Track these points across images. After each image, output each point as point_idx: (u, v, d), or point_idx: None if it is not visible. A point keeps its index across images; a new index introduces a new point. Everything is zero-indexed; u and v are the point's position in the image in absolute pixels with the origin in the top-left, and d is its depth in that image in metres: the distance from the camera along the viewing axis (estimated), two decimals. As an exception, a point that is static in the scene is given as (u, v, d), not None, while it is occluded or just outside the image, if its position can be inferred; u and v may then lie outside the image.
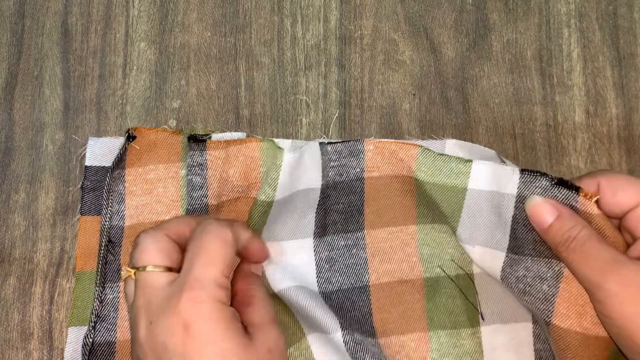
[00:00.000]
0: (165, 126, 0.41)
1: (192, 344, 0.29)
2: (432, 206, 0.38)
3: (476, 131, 0.41)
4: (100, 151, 0.40)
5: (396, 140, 0.39)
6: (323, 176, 0.39)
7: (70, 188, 0.41)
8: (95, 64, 0.42)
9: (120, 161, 0.39)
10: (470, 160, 0.37)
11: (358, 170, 0.39)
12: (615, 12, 0.43)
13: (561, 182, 0.34)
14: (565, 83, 0.42)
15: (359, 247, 0.38)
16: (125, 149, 0.39)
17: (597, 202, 0.33)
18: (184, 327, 0.29)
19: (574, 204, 0.33)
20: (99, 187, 0.40)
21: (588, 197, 0.33)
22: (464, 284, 0.37)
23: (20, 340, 0.39)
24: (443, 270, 0.37)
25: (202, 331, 0.29)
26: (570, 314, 0.33)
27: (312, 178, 0.39)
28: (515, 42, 0.43)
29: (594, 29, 0.43)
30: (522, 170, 0.35)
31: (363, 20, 0.43)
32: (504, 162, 0.38)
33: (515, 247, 0.36)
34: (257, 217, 0.39)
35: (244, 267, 0.36)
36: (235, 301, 0.34)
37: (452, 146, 0.40)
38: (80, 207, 0.40)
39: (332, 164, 0.39)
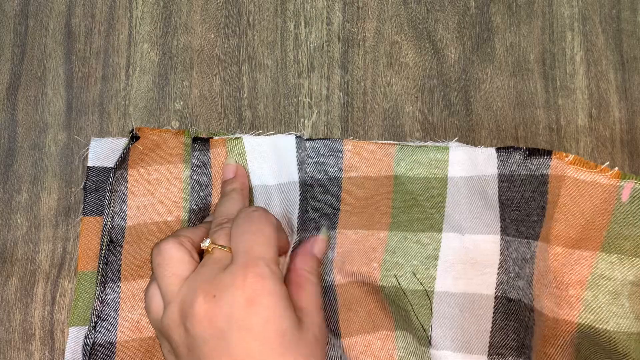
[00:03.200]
0: (169, 127, 0.41)
1: (254, 317, 0.30)
2: (411, 209, 0.38)
3: (479, 134, 0.41)
4: (102, 152, 0.40)
5: (375, 141, 0.39)
6: (299, 170, 0.39)
7: (73, 189, 0.41)
8: (99, 65, 0.42)
9: (123, 161, 0.39)
10: (447, 148, 0.37)
11: (336, 169, 0.39)
12: (619, 15, 0.43)
13: (533, 152, 0.34)
14: (568, 86, 0.42)
15: (329, 246, 0.38)
16: (129, 149, 0.40)
17: (573, 161, 0.32)
18: (248, 301, 0.30)
19: (545, 171, 0.33)
20: (101, 188, 0.40)
21: (562, 157, 0.32)
22: (419, 301, 0.37)
23: (22, 340, 0.39)
24: (397, 281, 0.37)
25: (265, 306, 0.30)
26: (539, 294, 0.32)
27: (290, 170, 0.39)
28: (518, 45, 0.42)
29: (597, 32, 0.43)
30: (498, 149, 0.36)
31: (366, 23, 0.43)
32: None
33: (506, 228, 0.35)
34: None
35: (306, 246, 0.37)
36: (288, 279, 0.35)
37: (455, 149, 0.40)
38: (83, 208, 0.40)
39: (310, 160, 0.39)
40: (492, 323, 0.35)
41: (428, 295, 0.37)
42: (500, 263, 0.35)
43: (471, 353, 0.35)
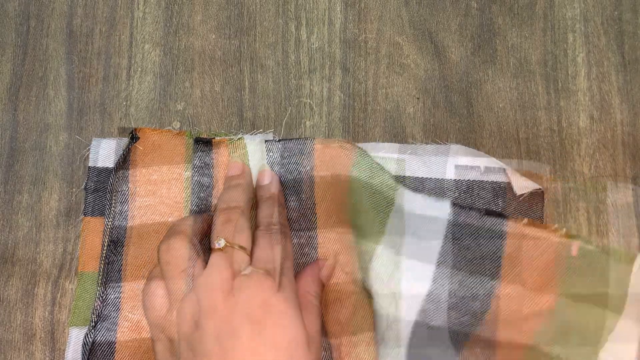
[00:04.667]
0: (170, 127, 0.41)
1: (269, 321, 0.30)
2: (360, 214, 0.39)
3: (480, 135, 0.41)
4: (103, 152, 0.40)
5: (340, 140, 0.40)
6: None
7: (74, 189, 0.41)
8: (100, 65, 0.42)
9: (124, 162, 0.39)
10: (399, 187, 0.39)
11: (308, 168, 0.39)
12: (621, 17, 0.43)
13: (489, 213, 0.38)
14: (570, 88, 0.42)
15: (311, 246, 0.38)
16: (129, 149, 0.40)
17: (528, 223, 0.37)
18: (267, 305, 0.31)
19: (503, 228, 0.37)
20: (102, 188, 0.40)
21: (518, 221, 0.37)
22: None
23: (23, 341, 0.39)
24: (364, 284, 0.38)
25: (282, 314, 0.31)
26: (503, 327, 0.36)
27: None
28: (519, 47, 0.42)
29: (599, 33, 0.43)
30: (453, 204, 0.38)
31: (367, 24, 0.43)
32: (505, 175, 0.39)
33: (446, 261, 0.37)
34: None
35: (315, 270, 0.37)
36: None
37: (456, 151, 0.40)
38: (84, 208, 0.40)
39: (283, 161, 0.39)
40: (408, 350, 0.37)
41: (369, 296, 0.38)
42: (431, 291, 0.37)
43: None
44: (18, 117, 0.41)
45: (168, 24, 0.43)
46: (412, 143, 0.41)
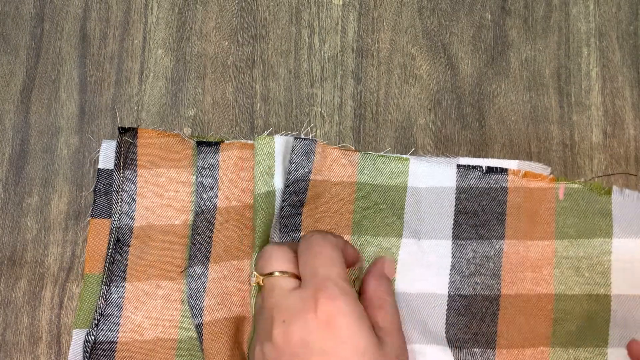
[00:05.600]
0: (178, 132, 0.41)
1: (332, 339, 0.30)
2: (372, 214, 0.40)
3: (492, 148, 0.41)
4: (113, 154, 0.40)
5: (341, 147, 0.40)
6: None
7: (83, 193, 0.41)
8: (112, 69, 0.42)
9: (125, 160, 0.40)
10: (407, 159, 0.40)
11: (306, 170, 0.39)
12: (636, 32, 0.42)
13: (490, 170, 0.40)
14: (583, 102, 0.42)
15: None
16: (128, 147, 0.40)
17: (525, 174, 0.39)
18: (323, 324, 0.30)
19: (504, 184, 0.39)
20: (111, 191, 0.40)
21: (516, 173, 0.39)
22: None
23: (29, 344, 0.39)
24: (353, 283, 0.39)
25: (341, 327, 0.30)
26: (515, 281, 0.39)
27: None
28: (533, 60, 0.42)
29: (614, 48, 0.42)
30: (458, 166, 0.40)
31: (381, 34, 0.43)
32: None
33: (459, 234, 0.39)
34: (266, 209, 0.39)
35: (377, 268, 0.37)
36: (365, 301, 0.35)
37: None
38: (91, 210, 0.40)
39: (290, 159, 0.39)
40: (446, 319, 0.39)
41: None
42: (452, 264, 0.39)
43: (438, 344, 0.38)
44: (30, 119, 0.41)
45: (181, 30, 0.43)
46: (422, 155, 0.41)
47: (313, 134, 0.41)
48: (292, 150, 0.39)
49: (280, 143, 0.39)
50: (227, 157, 0.40)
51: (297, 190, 0.39)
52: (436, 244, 0.39)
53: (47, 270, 0.40)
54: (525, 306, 0.39)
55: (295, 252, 0.34)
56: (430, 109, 0.42)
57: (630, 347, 0.34)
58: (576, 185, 0.39)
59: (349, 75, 0.42)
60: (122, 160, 0.40)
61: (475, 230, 0.39)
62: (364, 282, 0.37)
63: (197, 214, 0.39)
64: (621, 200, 0.39)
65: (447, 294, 0.39)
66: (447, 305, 0.39)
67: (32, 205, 0.40)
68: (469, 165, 0.40)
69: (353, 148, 0.41)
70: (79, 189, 0.41)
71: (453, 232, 0.39)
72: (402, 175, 0.40)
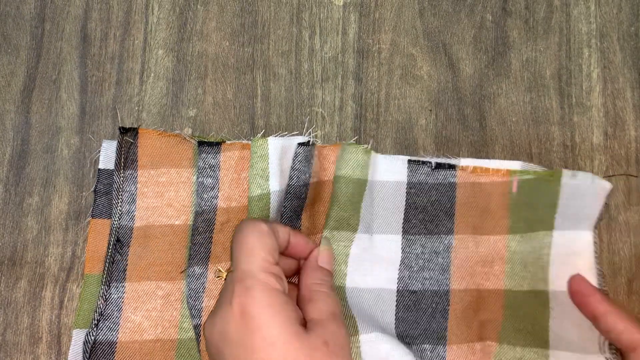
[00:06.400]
0: (178, 131, 0.41)
1: (245, 330, 0.30)
2: (333, 208, 0.39)
3: (492, 149, 0.41)
4: (114, 154, 0.40)
5: (328, 145, 0.40)
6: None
7: (84, 193, 0.41)
8: (113, 69, 0.42)
9: (126, 161, 0.40)
10: (370, 152, 0.40)
11: (307, 176, 0.39)
12: (637, 33, 0.42)
13: (439, 166, 0.40)
14: (584, 103, 0.42)
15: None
16: (127, 147, 0.40)
17: (473, 170, 0.39)
18: (238, 315, 0.30)
19: (453, 180, 0.39)
20: (111, 191, 0.40)
21: (465, 169, 0.39)
22: (340, 295, 0.39)
23: (29, 344, 0.39)
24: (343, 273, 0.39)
25: (253, 317, 0.30)
26: (464, 276, 0.39)
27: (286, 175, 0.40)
28: (534, 61, 0.42)
29: (615, 49, 0.42)
30: (409, 161, 0.40)
31: (382, 34, 0.43)
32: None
33: (409, 229, 0.40)
34: (258, 212, 0.39)
35: (310, 260, 0.37)
36: (298, 296, 0.35)
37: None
38: (92, 210, 0.40)
39: (291, 165, 0.39)
40: (395, 315, 0.39)
41: (340, 290, 0.39)
42: (402, 260, 0.39)
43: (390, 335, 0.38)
44: (31, 119, 0.41)
45: (182, 30, 0.43)
46: (423, 156, 0.41)
47: (314, 134, 0.41)
48: (295, 157, 0.39)
49: (274, 145, 0.39)
50: (228, 158, 0.40)
51: (299, 196, 0.39)
52: (387, 238, 0.40)
53: (47, 271, 0.40)
54: (474, 301, 0.39)
55: (275, 255, 0.34)
56: (431, 110, 0.42)
57: (570, 281, 0.35)
58: (529, 177, 0.39)
59: (350, 76, 0.42)
60: (122, 160, 0.40)
61: (424, 226, 0.40)
62: (299, 275, 0.36)
63: (198, 214, 0.39)
64: (570, 188, 0.38)
65: (396, 290, 0.39)
66: (396, 300, 0.39)
67: (32, 206, 0.40)
68: (419, 161, 0.40)
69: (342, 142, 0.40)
70: (80, 189, 0.41)
71: (403, 227, 0.40)
72: (364, 168, 0.40)
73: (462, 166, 0.40)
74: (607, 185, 0.39)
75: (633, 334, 0.32)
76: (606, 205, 0.40)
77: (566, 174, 0.39)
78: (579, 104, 0.42)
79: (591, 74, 0.42)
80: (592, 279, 0.38)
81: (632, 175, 0.41)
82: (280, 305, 0.31)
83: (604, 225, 0.40)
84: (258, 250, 0.32)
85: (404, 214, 0.40)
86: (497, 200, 0.39)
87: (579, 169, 0.41)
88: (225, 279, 0.34)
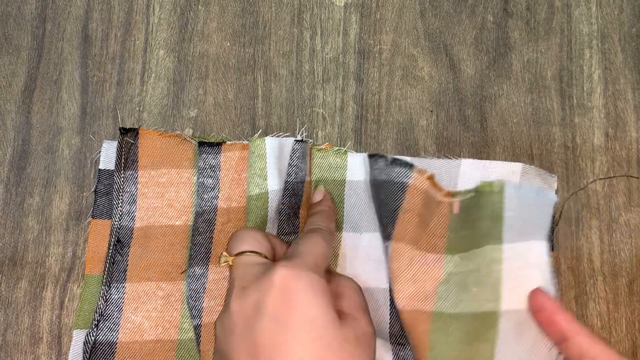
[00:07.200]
0: (179, 132, 0.41)
1: (284, 304, 0.29)
2: None
3: (493, 150, 0.41)
4: (114, 155, 0.40)
5: (319, 146, 0.40)
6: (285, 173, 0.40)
7: (85, 193, 0.41)
8: (114, 70, 0.42)
9: (126, 161, 0.40)
10: (345, 153, 0.40)
11: (303, 173, 0.39)
12: (639, 34, 0.42)
13: (395, 161, 0.36)
14: (585, 105, 0.42)
15: None
16: (127, 147, 0.40)
17: (429, 177, 0.36)
18: (278, 289, 0.29)
19: (405, 180, 0.36)
20: (112, 191, 0.40)
21: (422, 173, 0.36)
22: None
23: (30, 344, 0.39)
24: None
25: (293, 292, 0.29)
26: (399, 289, 0.36)
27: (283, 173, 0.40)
28: (535, 62, 0.42)
29: (616, 50, 0.42)
30: (370, 155, 0.37)
31: (383, 35, 0.42)
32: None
33: (374, 226, 0.39)
34: (256, 211, 0.39)
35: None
36: None
37: (468, 165, 0.39)
38: (92, 211, 0.40)
39: (289, 162, 0.40)
40: (390, 315, 0.38)
41: None
42: (368, 254, 0.39)
43: (379, 338, 0.37)
44: (31, 119, 0.41)
45: (183, 30, 0.43)
46: (424, 157, 0.41)
47: (314, 135, 0.41)
48: (294, 153, 0.39)
49: (272, 145, 0.39)
50: (229, 158, 0.40)
51: (296, 193, 0.39)
52: (375, 237, 0.39)
53: (48, 271, 0.40)
54: (405, 320, 0.36)
55: (268, 238, 0.34)
56: (432, 111, 0.42)
57: (531, 297, 0.33)
58: (470, 195, 0.37)
59: (351, 77, 0.42)
60: (123, 161, 0.40)
61: (380, 227, 0.38)
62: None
63: (198, 214, 0.39)
64: (514, 200, 0.36)
65: (389, 288, 0.39)
66: (390, 300, 0.38)
67: (33, 206, 0.40)
68: (376, 155, 0.37)
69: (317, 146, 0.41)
70: (80, 190, 0.41)
71: (374, 225, 0.39)
72: (340, 169, 0.40)
73: (419, 169, 0.36)
74: (553, 197, 0.36)
75: (610, 358, 0.30)
76: (608, 207, 0.40)
77: (509, 185, 0.36)
78: (580, 105, 0.42)
79: (592, 75, 0.42)
80: (550, 292, 0.34)
81: (633, 177, 0.41)
82: (321, 289, 0.30)
83: (605, 226, 0.40)
84: (323, 249, 0.33)
85: (375, 211, 0.39)
86: (437, 219, 0.37)
87: (580, 170, 0.41)
88: (231, 264, 0.33)
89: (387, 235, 0.36)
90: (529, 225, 0.35)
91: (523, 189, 0.36)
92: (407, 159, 0.40)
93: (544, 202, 0.36)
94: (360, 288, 0.35)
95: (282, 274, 0.30)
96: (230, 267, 0.33)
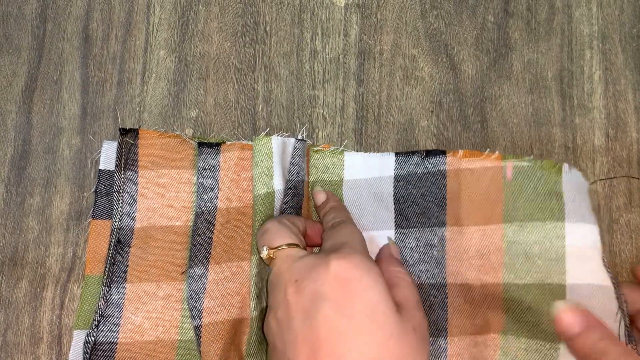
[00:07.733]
0: (179, 132, 0.41)
1: (344, 292, 0.29)
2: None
3: (493, 151, 0.41)
4: (114, 155, 0.40)
5: (317, 146, 0.41)
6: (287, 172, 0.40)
7: (85, 193, 0.41)
8: (115, 70, 0.42)
9: (126, 161, 0.40)
10: (342, 153, 0.40)
11: (303, 172, 0.40)
12: (639, 35, 0.42)
13: (429, 153, 0.39)
14: (586, 105, 0.42)
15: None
16: (127, 148, 0.40)
17: (464, 155, 0.38)
18: (335, 278, 0.29)
19: (442, 167, 0.39)
20: (112, 192, 0.40)
21: (455, 154, 0.39)
22: None
23: (30, 344, 0.39)
24: None
25: (353, 280, 0.29)
26: (460, 270, 0.38)
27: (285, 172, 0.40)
28: (536, 62, 0.42)
29: (617, 51, 0.42)
30: (397, 154, 0.40)
31: (383, 35, 0.42)
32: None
33: (401, 223, 0.39)
34: (264, 210, 0.39)
35: (387, 251, 0.37)
36: None
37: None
38: (92, 211, 0.40)
39: (290, 160, 0.40)
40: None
41: None
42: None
43: None
44: (32, 120, 0.41)
45: (184, 31, 0.43)
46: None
47: (315, 136, 0.41)
48: (295, 152, 0.39)
49: (277, 144, 0.39)
50: (228, 158, 0.40)
51: (297, 192, 0.39)
52: (378, 235, 0.39)
53: (48, 271, 0.40)
54: (472, 295, 0.38)
55: (297, 226, 0.35)
56: (432, 111, 0.42)
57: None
58: (525, 164, 0.38)
59: (351, 77, 0.42)
60: (123, 161, 0.40)
61: (416, 219, 0.39)
62: (378, 262, 0.36)
63: (198, 215, 0.39)
64: (570, 181, 0.38)
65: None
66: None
67: (33, 206, 0.40)
68: (408, 152, 0.40)
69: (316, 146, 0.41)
70: (81, 190, 0.41)
71: (395, 222, 0.39)
72: (337, 169, 0.40)
73: (452, 151, 0.39)
74: (586, 184, 0.38)
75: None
76: (609, 208, 0.40)
77: (566, 168, 0.38)
78: (580, 105, 0.42)
79: (593, 76, 0.42)
80: (602, 274, 0.36)
81: (633, 177, 0.41)
82: (379, 274, 0.30)
83: (606, 227, 0.40)
84: (359, 237, 0.34)
85: (395, 208, 0.39)
86: (490, 187, 0.38)
87: (581, 170, 0.41)
88: (273, 257, 0.33)
89: (440, 222, 0.38)
90: (582, 208, 0.37)
91: (573, 172, 0.38)
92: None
93: (586, 188, 0.38)
94: (413, 280, 0.35)
95: (337, 263, 0.30)
96: (272, 260, 0.33)
